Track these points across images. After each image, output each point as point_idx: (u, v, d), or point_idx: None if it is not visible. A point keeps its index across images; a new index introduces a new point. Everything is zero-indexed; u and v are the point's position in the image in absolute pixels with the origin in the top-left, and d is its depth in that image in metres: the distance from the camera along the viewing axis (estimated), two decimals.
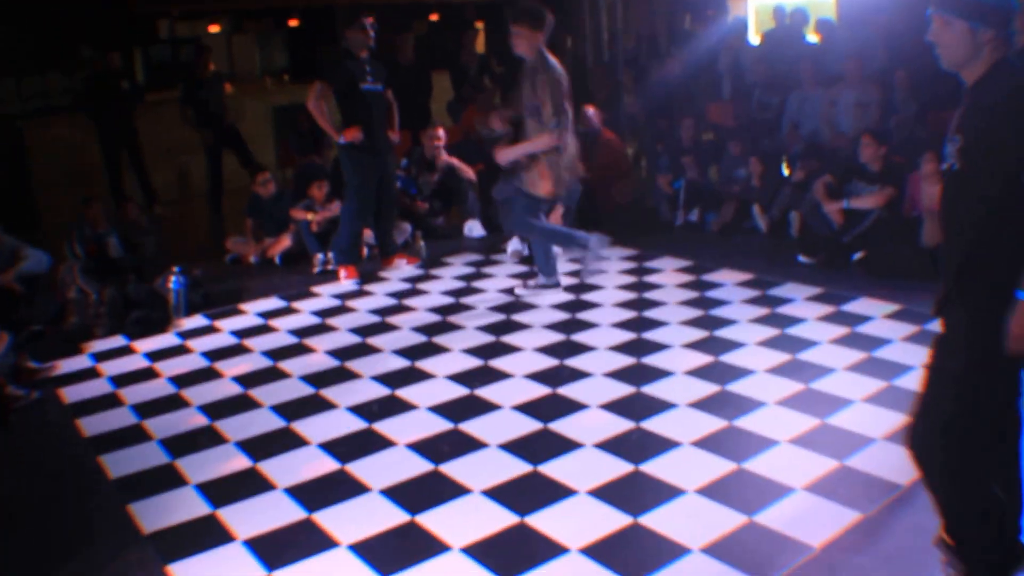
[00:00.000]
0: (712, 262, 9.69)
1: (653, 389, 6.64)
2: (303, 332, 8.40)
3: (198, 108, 13.90)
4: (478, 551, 4.79)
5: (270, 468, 5.84)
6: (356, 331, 8.31)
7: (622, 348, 7.46)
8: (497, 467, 5.65)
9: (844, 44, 12.09)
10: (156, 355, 8.09)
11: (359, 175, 9.83)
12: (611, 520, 4.98)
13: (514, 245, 10.39)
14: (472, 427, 6.22)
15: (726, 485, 5.27)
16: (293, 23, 21.10)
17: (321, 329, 8.45)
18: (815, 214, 9.80)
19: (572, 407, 6.42)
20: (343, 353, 7.78)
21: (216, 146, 14.09)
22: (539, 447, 5.86)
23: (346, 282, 9.87)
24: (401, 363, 7.47)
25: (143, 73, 19.78)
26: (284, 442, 6.20)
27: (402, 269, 10.19)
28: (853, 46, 11.81)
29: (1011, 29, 3.68)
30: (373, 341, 8.01)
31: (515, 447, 5.88)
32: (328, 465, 5.83)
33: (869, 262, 9.00)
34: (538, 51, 8.33)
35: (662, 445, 5.78)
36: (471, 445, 5.96)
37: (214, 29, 21.24)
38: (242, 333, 8.50)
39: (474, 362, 7.38)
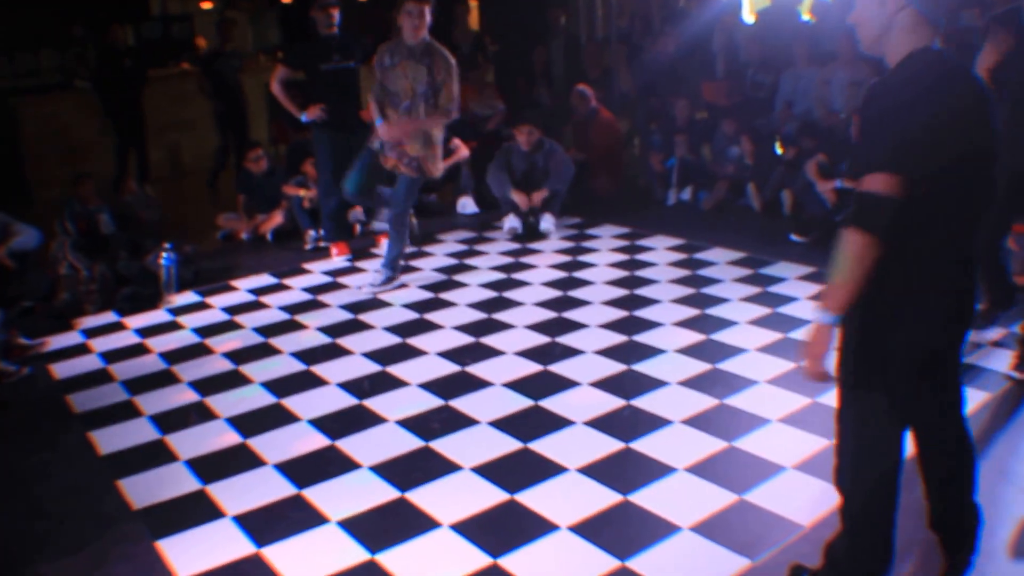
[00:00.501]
0: (704, 240, 9.68)
1: (644, 367, 6.64)
2: (294, 309, 8.39)
3: (215, 80, 13.89)
4: (468, 528, 4.79)
5: (260, 444, 5.84)
6: (347, 308, 8.29)
7: (613, 326, 7.45)
8: (488, 444, 5.65)
9: (838, 22, 12.03)
10: (147, 331, 8.08)
11: (323, 153, 9.83)
12: (601, 498, 4.99)
13: (510, 222, 10.37)
14: (463, 404, 6.22)
15: (716, 463, 5.28)
16: (286, 0, 21.01)
17: (312, 306, 8.44)
18: (808, 193, 9.79)
19: (563, 385, 6.42)
20: (334, 330, 7.78)
21: (226, 120, 14.07)
22: (530, 424, 5.86)
23: (337, 259, 9.85)
24: (392, 340, 7.46)
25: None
26: (274, 418, 6.21)
27: None
28: (847, 24, 11.76)
29: (931, 8, 3.49)
30: (364, 318, 8.00)
31: (506, 424, 5.88)
32: (318, 441, 5.83)
33: None
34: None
35: (653, 423, 5.78)
36: (462, 422, 5.97)
37: (207, 6, 21.13)
38: (233, 310, 8.49)
39: (465, 339, 7.38)
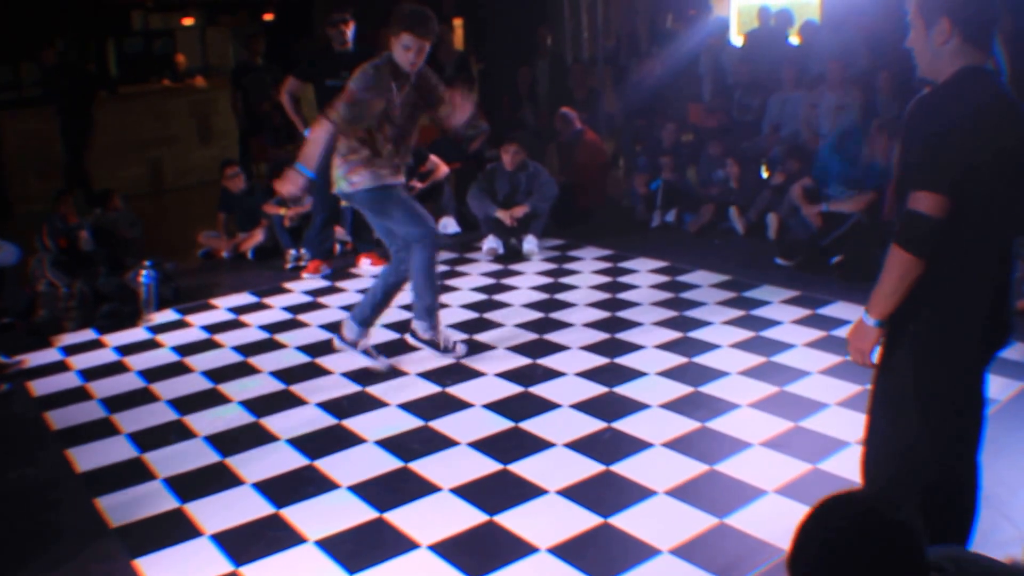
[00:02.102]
0: (688, 263, 9.66)
1: (626, 389, 6.61)
2: (274, 327, 8.36)
3: (245, 95, 13.81)
4: (446, 549, 4.76)
5: (239, 463, 5.81)
6: (327, 327, 8.25)
7: (595, 348, 7.42)
8: (467, 465, 5.62)
9: (827, 46, 12.09)
10: (126, 349, 8.03)
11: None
12: (581, 520, 4.96)
13: (489, 243, 10.35)
14: (443, 425, 6.19)
15: (697, 486, 5.26)
16: (268, 17, 21.01)
17: (292, 325, 8.41)
18: (794, 217, 9.80)
19: (544, 406, 6.39)
20: (314, 349, 7.75)
21: (245, 136, 13.97)
22: (510, 446, 5.84)
23: (307, 276, 9.79)
24: (372, 360, 7.42)
25: (116, 65, 19.66)
26: (253, 437, 6.17)
27: (376, 267, 10.15)
28: (836, 48, 11.82)
29: (979, 31, 3.50)
30: None
31: (486, 445, 5.86)
32: (297, 461, 5.80)
33: (847, 266, 8.96)
34: None
35: (634, 446, 5.76)
36: (441, 443, 5.94)
37: (188, 22, 21.14)
38: (213, 328, 8.44)
39: (446, 360, 7.33)
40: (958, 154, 3.40)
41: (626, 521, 4.93)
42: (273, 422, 6.39)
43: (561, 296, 8.82)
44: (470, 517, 5.05)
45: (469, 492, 5.31)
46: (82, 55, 18.26)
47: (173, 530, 5.10)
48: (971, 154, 3.40)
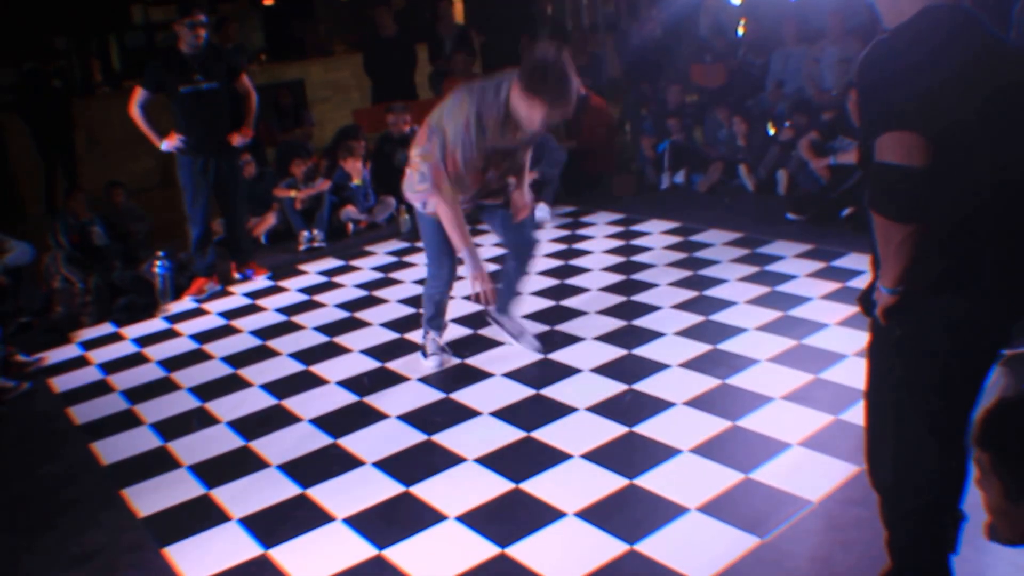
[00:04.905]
0: (700, 223, 9.65)
1: (645, 351, 6.61)
2: (291, 310, 8.39)
3: None
4: (474, 519, 4.77)
5: (263, 446, 5.83)
6: (344, 306, 8.28)
7: (612, 311, 7.43)
8: (490, 435, 5.63)
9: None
10: (145, 340, 8.06)
11: (183, 179, 9.11)
12: (607, 483, 4.96)
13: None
14: (464, 396, 6.21)
15: (721, 443, 5.26)
16: (268, 2, 20.95)
17: (309, 306, 8.43)
18: (802, 171, 9.77)
19: (564, 372, 6.39)
20: (332, 329, 7.77)
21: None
22: (532, 413, 5.85)
23: (189, 298, 9.18)
24: (390, 336, 7.44)
25: (119, 60, 19.62)
26: (276, 420, 6.19)
27: (390, 243, 10.15)
28: (835, 1, 11.76)
29: None
30: (361, 315, 7.98)
31: (508, 414, 5.87)
32: (320, 440, 5.81)
33: (858, 217, 8.94)
34: None
35: (655, 406, 5.76)
36: (464, 414, 5.95)
37: None
38: (230, 314, 8.47)
39: (464, 331, 7.36)
40: (928, 90, 2.92)
41: (652, 481, 4.93)
42: (295, 403, 6.41)
43: (576, 262, 8.82)
44: (496, 486, 5.06)
45: (494, 461, 5.32)
46: (83, 51, 18.22)
47: (201, 517, 5.12)
48: (939, 97, 2.92)
